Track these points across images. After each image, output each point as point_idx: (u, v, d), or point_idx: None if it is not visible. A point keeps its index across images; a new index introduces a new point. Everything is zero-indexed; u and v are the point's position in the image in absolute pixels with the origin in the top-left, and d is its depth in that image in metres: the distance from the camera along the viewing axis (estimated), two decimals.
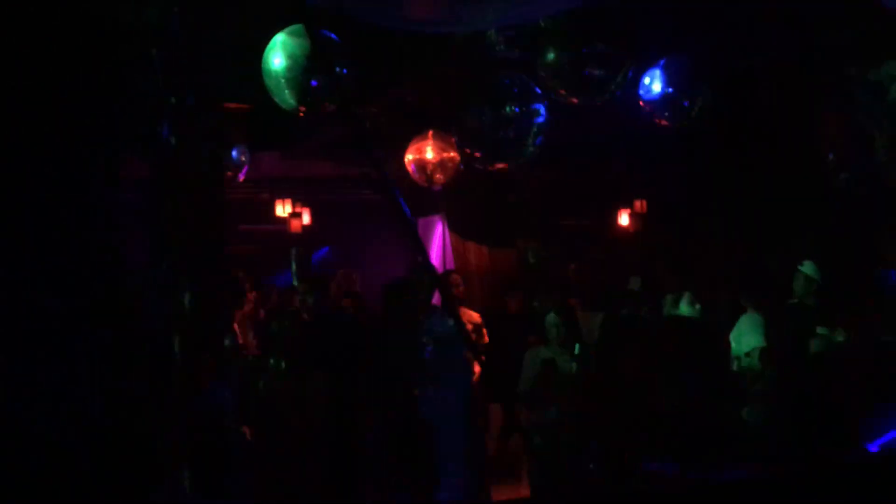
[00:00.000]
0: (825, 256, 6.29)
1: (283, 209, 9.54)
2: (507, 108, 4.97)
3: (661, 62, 5.28)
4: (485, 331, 6.69)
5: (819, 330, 5.65)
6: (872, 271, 5.75)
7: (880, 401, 3.37)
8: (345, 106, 4.87)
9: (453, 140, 6.88)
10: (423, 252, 3.81)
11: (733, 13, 5.34)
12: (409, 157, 7.35)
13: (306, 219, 9.63)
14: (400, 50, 5.42)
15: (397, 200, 4.36)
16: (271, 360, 5.47)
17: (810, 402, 4.41)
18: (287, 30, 4.33)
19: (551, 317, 5.44)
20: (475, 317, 6.67)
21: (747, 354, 5.43)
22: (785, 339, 5.66)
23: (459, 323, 6.15)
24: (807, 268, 6.54)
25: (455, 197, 9.16)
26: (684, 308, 6.29)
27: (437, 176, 7.37)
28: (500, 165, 5.42)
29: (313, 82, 4.42)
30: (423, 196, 8.83)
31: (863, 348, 4.47)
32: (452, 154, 7.20)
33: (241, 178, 7.61)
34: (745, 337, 5.56)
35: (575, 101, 4.66)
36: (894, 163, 5.68)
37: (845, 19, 5.21)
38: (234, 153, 7.18)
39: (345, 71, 4.58)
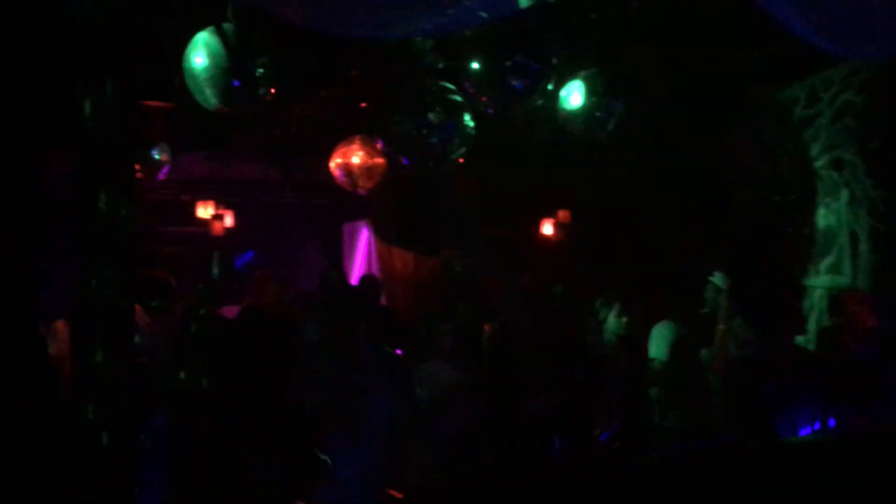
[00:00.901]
0: (734, 267, 6.58)
1: (204, 211, 9.36)
2: (433, 115, 5.03)
3: (581, 75, 5.42)
4: None
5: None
6: (779, 282, 6.03)
7: (791, 400, 3.55)
8: (271, 106, 4.83)
9: (380, 145, 6.91)
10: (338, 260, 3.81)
11: (649, 31, 5.53)
12: (334, 161, 7.35)
13: (229, 221, 9.47)
14: (326, 54, 5.43)
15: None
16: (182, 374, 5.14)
17: (724, 405, 4.59)
18: (210, 28, 4.28)
19: (445, 325, 5.09)
20: None
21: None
22: (696, 347, 5.90)
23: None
24: (716, 279, 6.84)
25: (381, 203, 9.19)
26: (611, 320, 6.44)
27: (363, 181, 7.40)
28: (425, 171, 5.47)
29: (235, 82, 4.38)
30: (348, 201, 8.85)
31: (773, 352, 4.69)
32: (379, 160, 7.24)
33: (162, 177, 7.47)
34: (657, 344, 5.76)
35: (497, 110, 4.75)
36: (797, 180, 5.99)
37: (754, 42, 5.47)
38: (154, 152, 7.05)
39: (269, 72, 4.55)
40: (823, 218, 5.75)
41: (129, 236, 2.88)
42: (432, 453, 4.23)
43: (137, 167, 6.21)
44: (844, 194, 5.58)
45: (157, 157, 7.13)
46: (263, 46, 4.48)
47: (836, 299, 3.76)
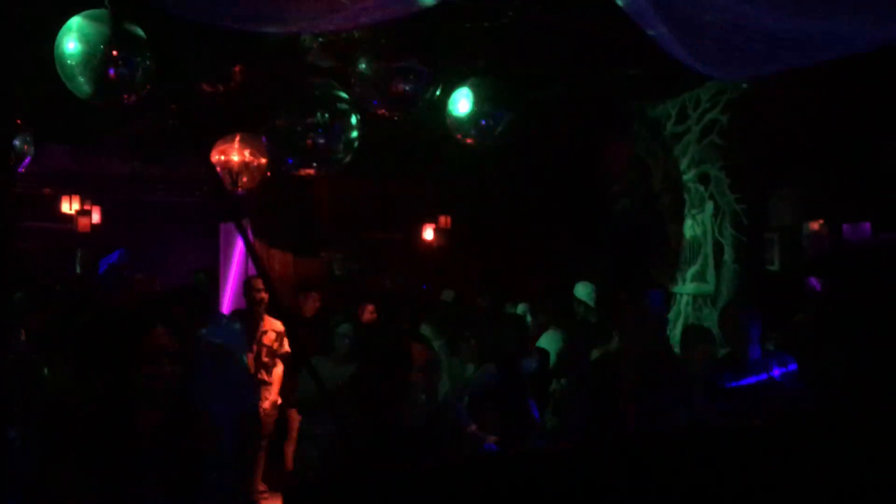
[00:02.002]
0: (606, 275, 6.85)
1: (69, 206, 8.85)
2: (319, 115, 4.95)
3: (470, 82, 5.49)
4: (286, 340, 6.57)
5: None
6: (644, 290, 6.31)
7: (651, 395, 3.72)
8: (148, 99, 4.62)
9: (261, 144, 6.73)
10: (255, 254, 3.64)
11: (536, 42, 5.68)
12: (213, 159, 7.11)
13: (96, 217, 8.99)
14: (209, 47, 5.25)
15: (230, 200, 4.15)
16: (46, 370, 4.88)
17: (595, 403, 4.74)
18: (85, 13, 4.05)
19: (344, 327, 5.14)
20: (278, 325, 6.53)
21: None
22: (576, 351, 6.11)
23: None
24: (579, 292, 7.11)
25: (261, 203, 8.99)
26: None
27: (243, 180, 7.19)
28: (308, 171, 5.37)
29: (111, 71, 4.16)
30: (227, 200, 8.58)
31: (634, 353, 4.89)
32: (260, 159, 7.06)
33: (22, 169, 6.99)
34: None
35: (384, 113, 4.73)
36: (667, 192, 6.30)
37: (630, 59, 5.71)
38: (15, 142, 6.58)
39: (147, 63, 4.35)
40: (690, 229, 6.07)
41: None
42: (315, 452, 4.15)
43: None
44: (709, 207, 5.91)
45: (18, 147, 6.66)
46: (142, 35, 4.27)
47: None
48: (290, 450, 6.29)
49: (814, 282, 7.00)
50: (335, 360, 4.93)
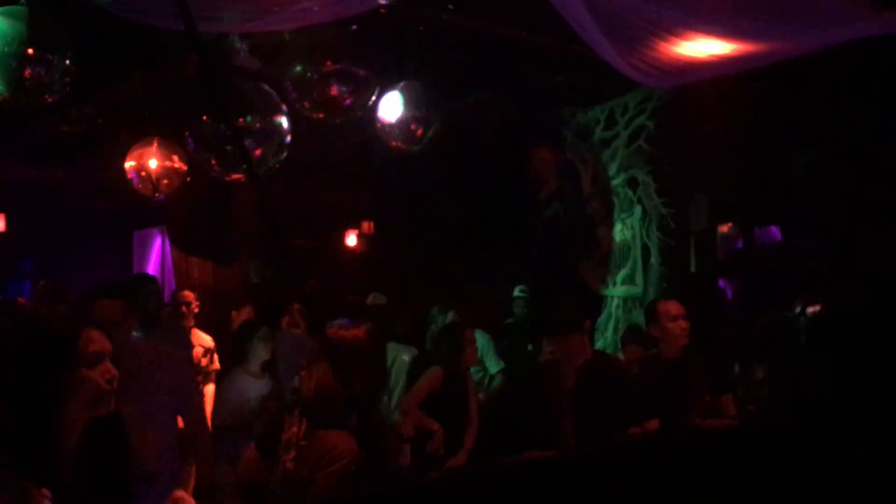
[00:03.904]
0: (534, 281, 6.92)
1: None
2: (248, 119, 4.81)
3: (400, 85, 5.45)
4: (216, 356, 6.33)
5: (529, 347, 6.21)
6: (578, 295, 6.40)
7: (588, 405, 3.72)
8: (62, 101, 4.38)
9: (180, 149, 6.50)
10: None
11: (462, 48, 5.68)
12: (129, 163, 6.82)
13: (1, 225, 8.50)
14: (130, 46, 5.02)
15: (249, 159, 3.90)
16: None
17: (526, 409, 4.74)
18: (1, 9, 3.80)
19: (263, 331, 4.94)
20: (207, 340, 6.27)
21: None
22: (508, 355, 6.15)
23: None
24: (519, 292, 7.18)
25: (178, 209, 8.68)
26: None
27: (162, 186, 6.93)
28: (237, 177, 5.21)
29: (27, 71, 3.92)
30: (141, 207, 8.24)
31: (569, 361, 4.91)
32: (179, 164, 6.82)
33: None
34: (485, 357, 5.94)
35: (321, 116, 4.63)
36: (596, 196, 6.42)
37: (561, 65, 5.79)
38: None
39: (66, 62, 4.12)
40: (620, 233, 6.19)
41: None
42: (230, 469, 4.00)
43: None
44: (637, 211, 6.05)
45: None
46: (61, 33, 4.05)
47: (649, 312, 4.01)
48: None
49: (722, 283, 7.27)
50: (251, 371, 4.75)
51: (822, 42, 3.97)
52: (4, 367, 2.08)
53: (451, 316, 6.01)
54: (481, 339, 5.78)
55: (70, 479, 2.02)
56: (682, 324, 3.86)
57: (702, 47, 4.25)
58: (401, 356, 5.43)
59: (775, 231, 7.87)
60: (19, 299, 7.05)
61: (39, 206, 8.93)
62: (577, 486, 1.58)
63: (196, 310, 6.12)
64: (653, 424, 3.55)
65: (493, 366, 6.08)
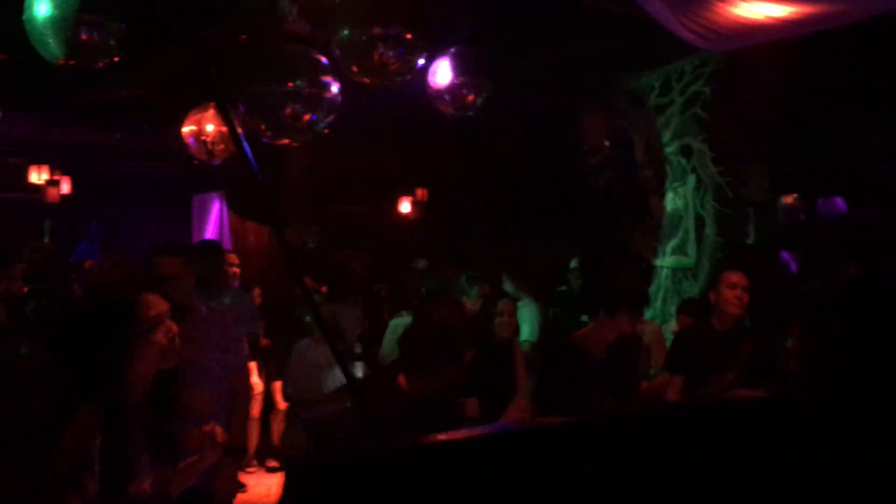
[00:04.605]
0: (585, 249, 6.84)
1: (38, 176, 8.62)
2: (297, 83, 4.82)
3: (450, 51, 5.39)
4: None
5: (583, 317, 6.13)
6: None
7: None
8: (120, 64, 4.46)
9: (241, 112, 6.58)
10: (292, 254, 3.48)
11: (513, 13, 5.59)
12: (186, 128, 6.94)
13: (65, 188, 8.78)
14: (183, 11, 5.09)
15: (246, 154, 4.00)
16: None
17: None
18: None
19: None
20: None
21: None
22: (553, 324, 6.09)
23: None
24: (575, 263, 7.08)
25: (235, 175, 8.83)
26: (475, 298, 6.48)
27: (218, 151, 7.04)
28: (285, 141, 5.25)
29: (83, 34, 4.01)
30: (200, 172, 8.41)
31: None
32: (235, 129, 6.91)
33: None
34: (524, 326, 5.88)
35: (366, 81, 4.62)
36: (649, 165, 6.28)
37: (613, 30, 5.65)
38: None
39: (121, 26, 4.20)
40: (671, 202, 6.06)
41: None
42: (304, 435, 4.10)
43: None
44: (691, 180, 5.90)
45: None
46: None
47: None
48: (276, 423, 6.27)
49: (786, 256, 7.06)
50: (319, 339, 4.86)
51: (887, 5, 3.78)
52: (77, 331, 2.22)
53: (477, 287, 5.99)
54: (528, 308, 5.74)
55: (139, 426, 2.17)
56: (739, 293, 3.75)
57: (760, 9, 4.09)
58: None
59: (840, 202, 7.60)
60: (87, 263, 7.29)
61: (101, 170, 9.19)
62: (587, 454, 1.56)
63: (237, 272, 6.28)
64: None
65: (525, 334, 5.97)
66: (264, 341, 6.27)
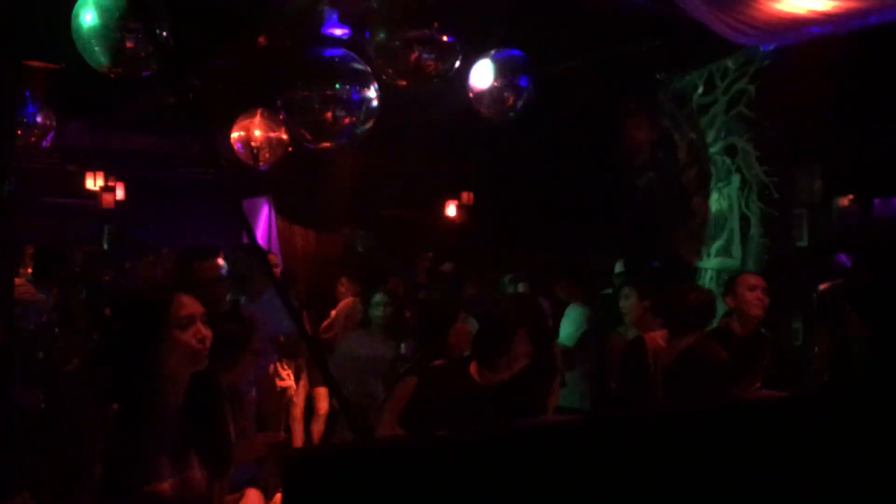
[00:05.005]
0: (627, 252, 6.74)
1: (93, 182, 8.89)
2: (337, 87, 4.88)
3: (492, 54, 5.39)
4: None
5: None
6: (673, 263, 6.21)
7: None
8: (166, 72, 4.58)
9: (281, 118, 6.69)
10: (251, 232, 3.56)
11: (554, 13, 5.56)
12: (235, 134, 7.09)
13: (120, 193, 9.03)
14: (228, 19, 5.20)
15: (224, 178, 4.10)
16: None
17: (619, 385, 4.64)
18: None
19: (379, 297, 5.27)
20: None
21: None
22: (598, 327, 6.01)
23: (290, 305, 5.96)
24: (621, 267, 6.99)
25: (283, 179, 8.98)
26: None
27: (265, 156, 7.17)
28: (326, 145, 5.31)
29: (128, 42, 4.14)
30: (249, 177, 8.57)
31: None
32: (281, 134, 7.02)
33: (46, 145, 7.02)
34: (566, 328, 5.83)
35: (404, 84, 4.65)
36: (693, 165, 6.17)
37: (654, 29, 5.57)
38: (37, 117, 6.61)
39: (165, 33, 4.31)
40: (716, 202, 5.95)
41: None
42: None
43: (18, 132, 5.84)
44: (735, 180, 5.78)
45: (41, 122, 6.69)
46: (158, 6, 4.23)
47: (729, 283, 3.81)
48: (316, 429, 6.32)
49: (843, 258, 6.85)
50: (371, 333, 5.08)
51: None
52: (110, 330, 2.26)
53: (521, 287, 5.96)
54: (580, 313, 5.66)
55: (176, 430, 2.17)
56: (760, 294, 3.66)
57: (802, 2, 4.00)
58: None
59: None
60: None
61: (154, 176, 9.43)
62: (599, 453, 1.54)
63: (277, 273, 6.36)
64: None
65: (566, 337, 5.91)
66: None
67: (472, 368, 3.06)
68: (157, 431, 2.12)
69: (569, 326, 5.72)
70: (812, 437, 1.67)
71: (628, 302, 5.05)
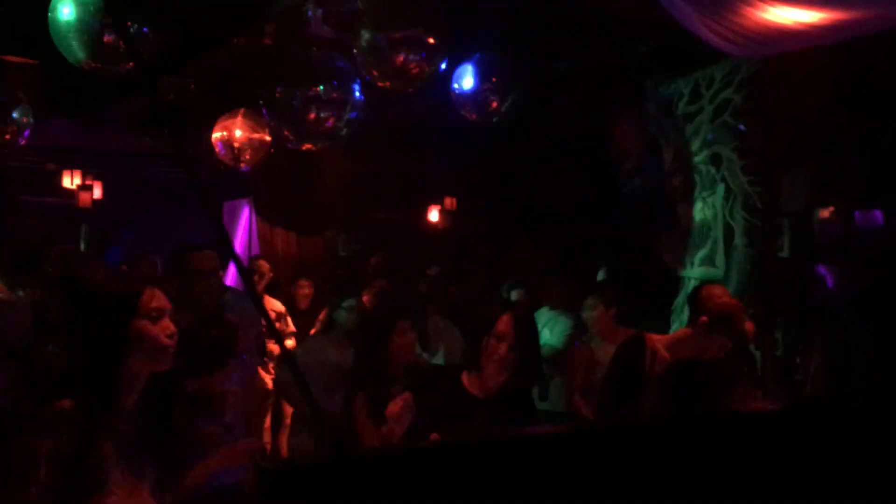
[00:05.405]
0: (614, 258, 6.72)
1: (70, 181, 8.75)
2: (320, 88, 4.82)
3: (475, 57, 5.36)
4: (289, 319, 6.48)
5: None
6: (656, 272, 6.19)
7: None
8: (143, 69, 4.49)
9: (265, 120, 6.62)
10: (227, 239, 3.48)
11: (542, 18, 5.53)
12: (216, 134, 7.00)
13: (97, 193, 8.89)
14: (210, 17, 5.13)
15: (198, 180, 4.01)
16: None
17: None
18: None
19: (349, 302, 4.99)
20: (278, 305, 6.44)
21: None
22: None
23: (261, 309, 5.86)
24: (603, 274, 6.97)
25: (264, 181, 8.89)
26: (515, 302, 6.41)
27: (246, 157, 7.08)
28: (308, 146, 5.25)
29: (106, 37, 4.05)
30: (229, 178, 8.47)
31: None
32: (263, 135, 6.94)
33: (23, 142, 6.89)
34: (551, 331, 5.79)
35: (388, 85, 4.60)
36: (678, 173, 6.16)
37: (642, 35, 5.56)
38: (14, 113, 6.47)
39: (144, 30, 4.23)
40: (700, 211, 5.94)
41: None
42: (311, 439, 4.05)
43: None
44: (720, 189, 5.78)
45: (17, 119, 6.55)
46: (140, 2, 4.16)
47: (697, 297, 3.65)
48: (284, 438, 6.21)
49: (822, 270, 6.87)
50: (336, 337, 4.80)
51: None
52: (74, 322, 2.16)
53: (517, 294, 5.91)
54: (566, 319, 5.61)
55: (129, 432, 2.07)
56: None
57: (789, 14, 3.97)
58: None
59: (879, 216, 7.38)
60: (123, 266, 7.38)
61: (133, 176, 9.31)
62: (585, 464, 1.49)
63: (268, 279, 6.28)
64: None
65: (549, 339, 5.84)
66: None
67: (464, 378, 3.02)
68: (111, 434, 1.99)
69: (556, 333, 5.70)
70: (814, 443, 1.64)
71: (594, 312, 4.99)
